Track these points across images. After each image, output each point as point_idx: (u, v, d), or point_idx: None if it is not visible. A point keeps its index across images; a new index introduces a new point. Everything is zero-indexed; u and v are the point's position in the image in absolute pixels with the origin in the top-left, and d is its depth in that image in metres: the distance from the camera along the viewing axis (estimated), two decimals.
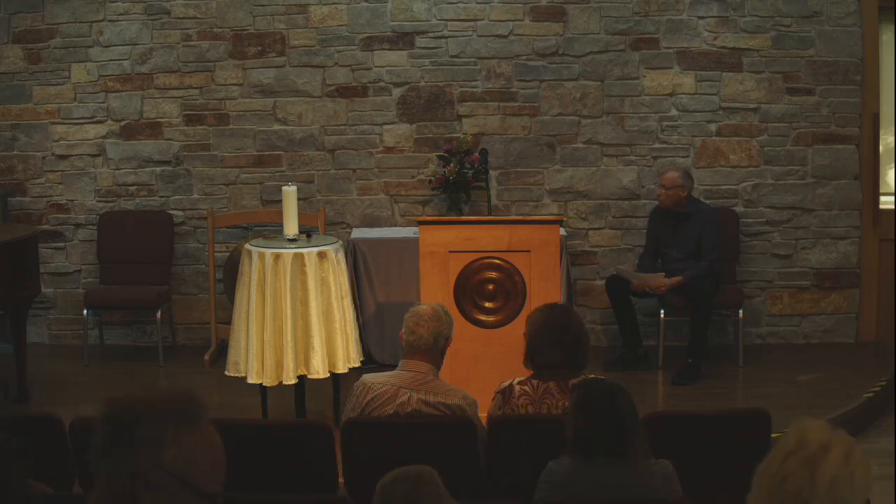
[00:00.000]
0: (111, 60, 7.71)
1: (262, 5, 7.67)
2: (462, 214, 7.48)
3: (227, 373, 5.90)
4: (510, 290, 5.82)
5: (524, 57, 7.68)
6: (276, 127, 7.76)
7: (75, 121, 7.76)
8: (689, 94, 7.66)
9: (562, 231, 6.70)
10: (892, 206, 7.72)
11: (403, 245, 7.22)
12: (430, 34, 7.68)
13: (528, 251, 5.79)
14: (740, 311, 7.33)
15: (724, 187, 7.71)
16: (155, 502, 1.84)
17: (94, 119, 7.76)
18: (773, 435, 4.29)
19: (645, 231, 7.47)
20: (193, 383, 6.82)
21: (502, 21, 7.66)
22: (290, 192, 6.02)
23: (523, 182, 7.75)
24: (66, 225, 7.85)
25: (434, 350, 4.41)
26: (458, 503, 2.97)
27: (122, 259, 7.67)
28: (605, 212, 7.75)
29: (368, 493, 2.96)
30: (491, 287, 5.82)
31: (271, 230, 7.26)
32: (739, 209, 7.69)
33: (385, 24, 7.68)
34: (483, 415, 4.42)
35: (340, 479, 4.31)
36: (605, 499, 3.45)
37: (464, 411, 4.29)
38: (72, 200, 7.82)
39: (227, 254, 7.50)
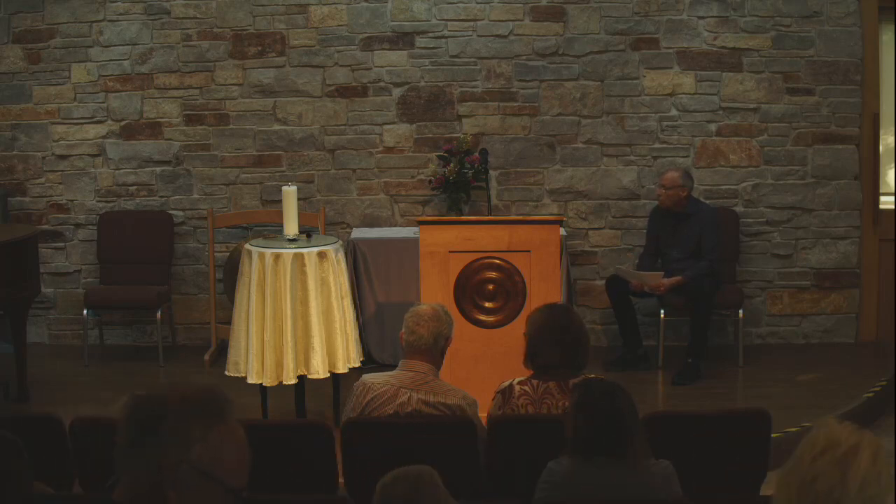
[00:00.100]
0: (111, 60, 7.71)
1: (262, 5, 7.67)
2: (462, 214, 7.48)
3: (227, 373, 5.90)
4: (510, 290, 5.81)
5: (524, 57, 7.68)
6: (276, 127, 7.76)
7: (75, 121, 7.76)
8: (689, 94, 7.66)
9: (562, 231, 6.70)
10: (892, 206, 7.72)
11: (403, 245, 7.22)
12: (430, 34, 7.68)
13: (528, 251, 5.79)
14: (740, 311, 7.33)
15: (724, 187, 7.71)
16: (181, 497, 1.84)
17: (94, 119, 7.76)
18: (773, 435, 4.30)
19: (645, 231, 7.47)
20: None
21: (502, 21, 7.66)
22: (290, 192, 6.02)
23: (523, 182, 7.75)
24: (66, 225, 7.85)
25: (434, 350, 4.41)
26: (458, 503, 2.97)
27: (122, 259, 7.67)
28: (605, 212, 7.75)
29: (368, 493, 2.96)
30: (491, 287, 5.82)
31: (271, 230, 7.26)
32: (739, 209, 7.69)
33: (385, 24, 7.68)
34: (483, 415, 4.42)
35: (340, 479, 4.31)
36: (605, 499, 3.45)
37: (464, 411, 4.29)
38: (72, 200, 7.82)
39: (227, 254, 7.50)
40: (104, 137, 7.78)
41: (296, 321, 5.74)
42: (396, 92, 7.72)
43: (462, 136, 7.63)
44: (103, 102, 7.74)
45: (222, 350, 6.84)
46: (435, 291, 5.71)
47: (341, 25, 7.69)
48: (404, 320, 4.47)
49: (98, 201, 7.81)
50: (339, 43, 7.70)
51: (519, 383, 4.27)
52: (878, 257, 7.72)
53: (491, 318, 5.82)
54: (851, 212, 7.71)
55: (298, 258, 5.77)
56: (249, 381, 5.78)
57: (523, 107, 7.71)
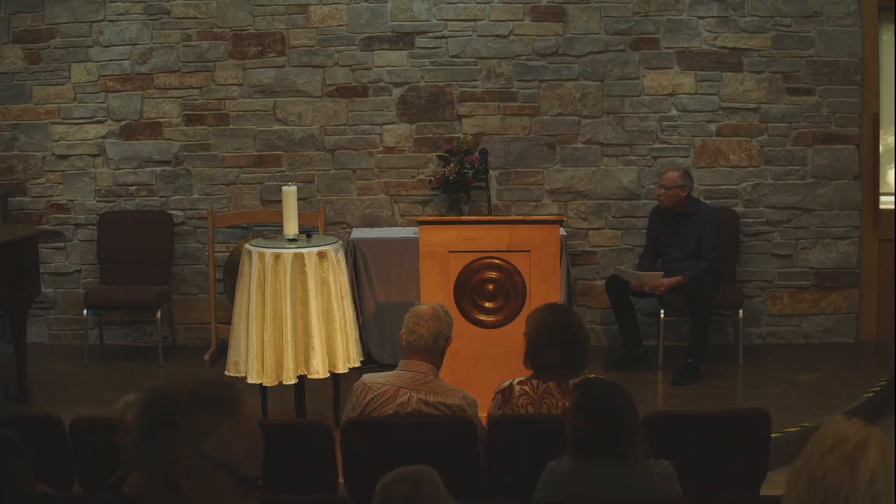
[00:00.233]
0: (111, 60, 7.71)
1: (262, 5, 7.67)
2: (462, 214, 7.48)
3: (227, 373, 5.90)
4: (510, 290, 5.81)
5: (524, 57, 7.68)
6: (276, 127, 7.76)
7: (75, 121, 7.76)
8: (689, 94, 7.66)
9: (562, 231, 6.70)
10: (892, 206, 7.72)
11: (403, 245, 7.22)
12: (430, 34, 7.68)
13: (528, 251, 5.79)
14: (740, 311, 7.33)
15: (724, 187, 7.71)
16: (196, 489, 1.87)
17: (94, 119, 7.76)
18: (773, 435, 4.30)
19: (645, 231, 7.47)
20: None
21: (502, 21, 7.66)
22: (290, 192, 6.02)
23: (523, 182, 7.75)
24: (66, 225, 7.85)
25: (434, 350, 4.41)
26: (458, 503, 2.97)
27: (122, 259, 7.67)
28: (605, 212, 7.75)
29: (368, 493, 2.96)
30: (491, 287, 5.82)
31: (271, 230, 7.26)
32: (739, 209, 7.69)
33: (385, 24, 7.68)
34: (483, 415, 4.42)
35: (340, 479, 4.31)
36: (605, 499, 3.45)
37: (464, 411, 4.29)
38: (72, 200, 7.83)
39: (227, 254, 7.50)
40: (104, 137, 7.78)
41: (296, 321, 5.74)
42: (396, 92, 7.72)
43: (462, 136, 7.63)
44: (103, 102, 7.74)
45: (222, 350, 6.84)
46: (435, 291, 5.71)
47: (341, 25, 7.69)
48: (404, 320, 4.47)
49: (98, 201, 7.81)
50: (339, 43, 7.70)
51: (519, 383, 4.27)
52: (878, 257, 7.72)
53: (491, 318, 5.82)
54: (851, 212, 7.71)
55: (298, 258, 5.77)
56: (249, 381, 5.78)
57: (523, 107, 7.71)
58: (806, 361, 7.33)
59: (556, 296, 5.78)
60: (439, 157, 7.61)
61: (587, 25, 7.64)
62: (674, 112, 7.67)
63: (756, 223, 7.72)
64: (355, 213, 7.79)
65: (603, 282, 7.49)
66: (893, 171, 7.86)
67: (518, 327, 4.95)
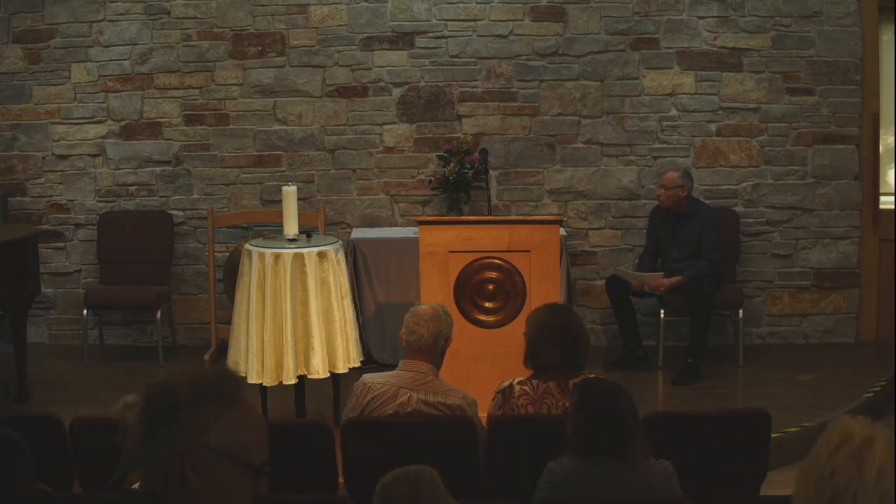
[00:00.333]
0: (111, 60, 7.71)
1: (262, 5, 7.67)
2: (462, 214, 7.48)
3: None
4: (510, 290, 5.81)
5: (524, 57, 7.68)
6: (276, 127, 7.76)
7: (75, 121, 7.76)
8: (689, 94, 7.66)
9: (562, 231, 6.70)
10: (892, 206, 7.72)
11: (403, 245, 7.22)
12: (430, 34, 7.68)
13: (528, 251, 5.79)
14: (740, 311, 7.33)
15: (724, 187, 7.71)
16: (203, 480, 1.87)
17: (94, 119, 7.76)
18: (773, 435, 4.30)
19: (645, 231, 7.47)
20: None
21: (502, 21, 7.66)
22: (290, 192, 6.02)
23: (523, 182, 7.75)
24: (66, 225, 7.85)
25: (434, 350, 4.41)
26: (458, 503, 2.97)
27: (122, 259, 7.67)
28: (605, 212, 7.76)
29: (368, 493, 2.96)
30: (491, 287, 5.82)
31: (271, 230, 7.26)
32: (739, 209, 7.69)
33: (385, 24, 7.68)
34: (483, 415, 4.42)
35: (340, 479, 4.31)
36: (605, 499, 3.45)
37: (464, 411, 4.29)
38: (72, 200, 7.83)
39: (227, 254, 7.50)
40: (104, 137, 7.78)
41: (296, 321, 5.74)
42: (396, 92, 7.72)
43: (462, 136, 7.63)
44: (103, 102, 7.74)
45: (222, 350, 6.84)
46: (435, 291, 5.71)
47: (341, 25, 7.69)
48: (404, 320, 4.47)
49: (98, 201, 7.81)
50: (339, 43, 7.70)
51: (519, 383, 4.27)
52: (878, 257, 7.72)
53: (491, 318, 5.82)
54: (851, 212, 7.71)
55: (298, 258, 5.77)
56: (249, 381, 5.78)
57: (523, 107, 7.71)
58: (806, 361, 7.33)
59: (556, 296, 5.78)
60: (439, 157, 7.61)
61: (587, 25, 7.64)
62: (674, 112, 7.67)
63: (756, 223, 7.72)
64: (355, 213, 7.79)
65: (603, 282, 7.49)
66: (893, 171, 7.86)
67: (518, 327, 4.95)
